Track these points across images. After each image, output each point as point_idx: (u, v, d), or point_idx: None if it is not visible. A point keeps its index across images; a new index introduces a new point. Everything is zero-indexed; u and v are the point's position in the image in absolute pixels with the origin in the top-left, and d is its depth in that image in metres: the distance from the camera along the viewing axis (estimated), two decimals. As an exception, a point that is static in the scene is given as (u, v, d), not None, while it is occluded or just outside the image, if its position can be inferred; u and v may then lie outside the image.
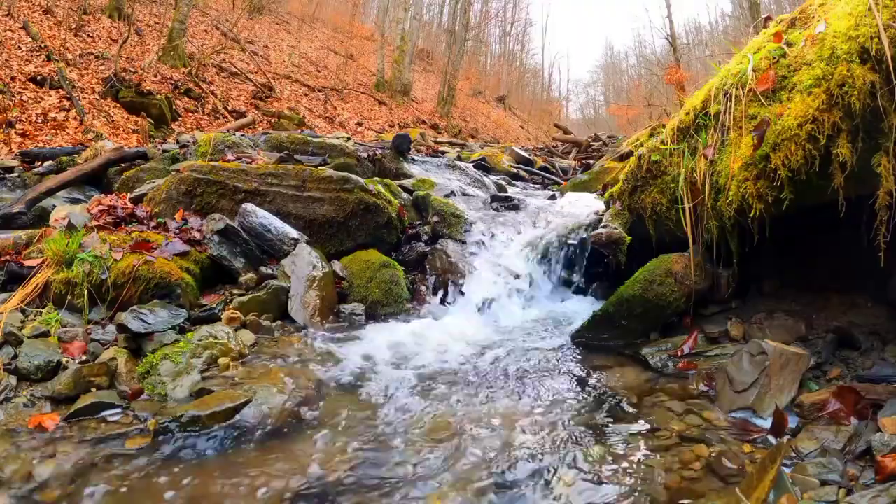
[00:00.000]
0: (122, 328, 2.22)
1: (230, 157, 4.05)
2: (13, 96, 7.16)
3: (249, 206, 3.12)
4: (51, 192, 3.82)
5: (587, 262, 3.25)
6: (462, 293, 3.14)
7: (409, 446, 1.71)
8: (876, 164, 1.72)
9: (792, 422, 1.72)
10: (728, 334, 2.35)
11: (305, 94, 14.39)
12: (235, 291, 2.78)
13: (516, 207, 4.07)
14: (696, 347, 2.33)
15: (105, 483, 1.51)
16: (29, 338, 2.10)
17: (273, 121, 10.98)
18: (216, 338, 2.28)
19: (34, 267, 2.47)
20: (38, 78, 7.82)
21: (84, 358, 2.10)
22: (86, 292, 2.36)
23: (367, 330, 2.72)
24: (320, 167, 3.61)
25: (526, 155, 7.91)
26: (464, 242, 3.53)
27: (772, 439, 1.67)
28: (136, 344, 2.22)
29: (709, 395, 2.01)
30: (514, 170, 6.77)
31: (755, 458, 1.56)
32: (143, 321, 2.26)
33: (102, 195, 3.70)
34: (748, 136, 2.07)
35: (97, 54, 9.51)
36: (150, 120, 8.17)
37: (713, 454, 1.60)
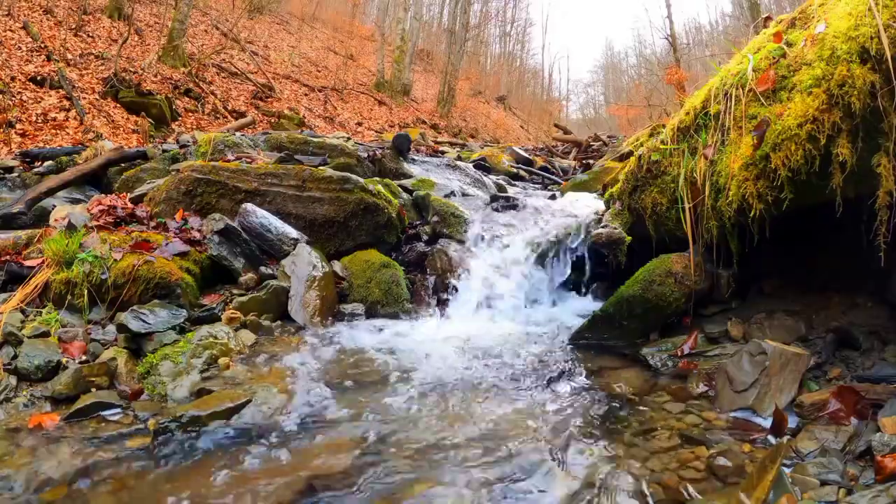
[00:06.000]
0: (122, 328, 2.22)
1: (230, 157, 4.04)
2: (13, 96, 7.16)
3: (249, 206, 3.12)
4: (51, 192, 3.81)
5: (587, 262, 3.25)
6: (462, 293, 3.14)
7: (408, 446, 1.70)
8: (876, 164, 1.72)
9: (792, 422, 1.72)
10: (728, 334, 2.35)
11: (305, 94, 14.39)
12: (235, 291, 2.78)
13: (516, 207, 4.07)
14: (696, 347, 2.33)
15: (105, 483, 1.51)
16: (29, 338, 2.10)
17: (273, 121, 10.97)
18: (216, 338, 2.28)
19: (34, 267, 2.47)
20: (38, 78, 7.82)
21: (84, 358, 2.10)
22: (86, 292, 2.36)
23: (367, 330, 2.72)
24: (320, 167, 3.61)
25: (526, 155, 7.91)
26: (464, 242, 3.53)
27: (772, 439, 1.67)
28: (136, 344, 2.22)
29: (709, 395, 2.01)
30: (514, 170, 6.76)
31: (755, 458, 1.56)
32: (143, 321, 2.26)
33: (102, 195, 3.70)
34: (748, 136, 2.07)
35: (97, 54, 9.51)
36: (150, 120, 8.17)
37: (713, 454, 1.60)
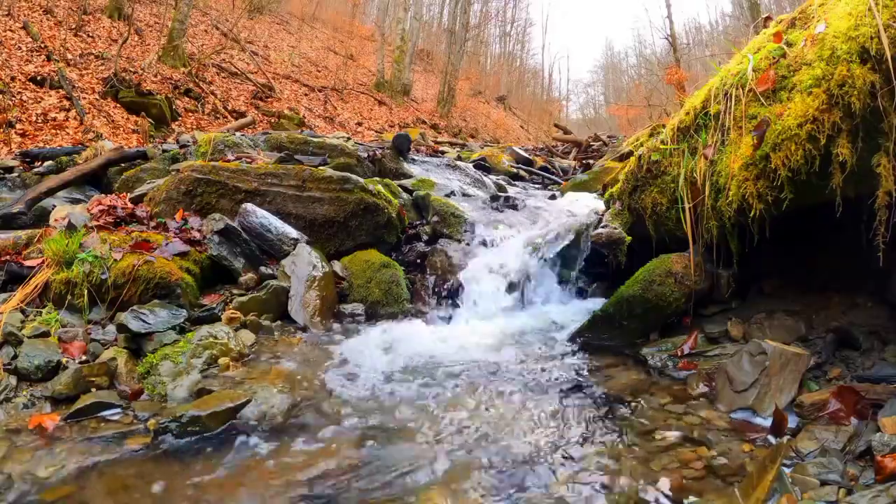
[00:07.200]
0: (122, 328, 2.22)
1: (230, 157, 4.04)
2: (13, 96, 7.15)
3: (249, 206, 3.12)
4: (51, 192, 3.81)
5: (587, 262, 3.25)
6: (462, 293, 3.14)
7: (409, 445, 1.71)
8: (876, 164, 1.72)
9: (792, 422, 1.72)
10: (728, 334, 2.35)
11: (305, 94, 14.39)
12: (235, 291, 2.78)
13: (516, 207, 4.07)
14: (696, 347, 2.33)
15: (105, 483, 1.51)
16: (29, 338, 2.10)
17: (273, 121, 10.97)
18: (216, 338, 2.28)
19: (34, 267, 2.47)
20: (38, 78, 7.82)
21: (84, 358, 2.10)
22: (86, 292, 2.36)
23: (367, 330, 2.72)
24: (320, 167, 3.61)
25: (526, 155, 7.91)
26: (464, 242, 3.53)
27: (772, 439, 1.67)
28: (136, 344, 2.22)
29: (709, 395, 2.01)
30: (514, 170, 6.76)
31: (755, 458, 1.56)
32: (143, 321, 2.26)
33: (102, 195, 3.70)
34: (748, 136, 2.07)
35: (97, 54, 9.50)
36: (150, 120, 8.16)
37: (713, 454, 1.60)
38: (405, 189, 4.17)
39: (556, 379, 2.21)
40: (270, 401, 1.92)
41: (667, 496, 1.44)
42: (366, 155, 4.94)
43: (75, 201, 3.80)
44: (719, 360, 2.19)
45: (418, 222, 3.79)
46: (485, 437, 1.76)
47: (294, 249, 3.00)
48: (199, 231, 2.95)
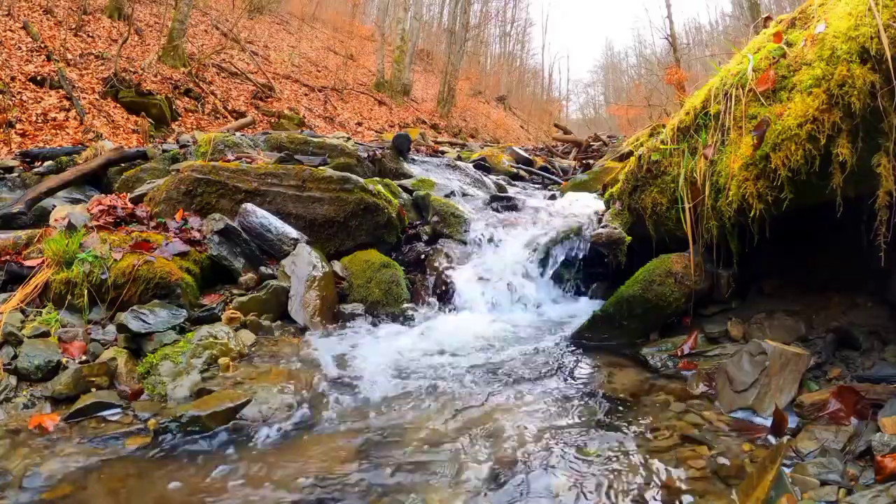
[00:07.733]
0: (122, 328, 2.22)
1: (230, 157, 4.04)
2: (13, 96, 7.15)
3: (249, 206, 3.12)
4: (51, 192, 3.81)
5: (587, 262, 3.25)
6: (462, 293, 3.14)
7: (408, 446, 1.71)
8: (876, 164, 1.72)
9: (792, 422, 1.72)
10: (728, 334, 2.35)
11: (305, 94, 14.39)
12: (235, 291, 2.78)
13: (516, 207, 4.07)
14: (696, 347, 2.33)
15: (105, 483, 1.51)
16: (29, 338, 2.10)
17: (273, 121, 10.97)
18: (216, 338, 2.28)
19: (34, 267, 2.47)
20: (38, 78, 7.82)
21: (84, 358, 2.10)
22: (86, 292, 2.36)
23: (367, 330, 2.72)
24: (320, 167, 3.61)
25: (526, 155, 7.91)
26: (464, 242, 3.53)
27: (772, 439, 1.67)
28: (136, 344, 2.22)
29: (709, 395, 2.01)
30: (514, 170, 6.76)
31: (755, 458, 1.56)
32: (143, 321, 2.26)
33: (102, 195, 3.70)
34: (748, 136, 2.07)
35: (97, 54, 9.50)
36: (150, 120, 8.16)
37: (713, 454, 1.60)
38: (405, 189, 4.16)
39: (556, 378, 2.21)
40: (270, 401, 1.92)
41: (667, 496, 1.44)
42: (366, 155, 4.93)
43: (75, 201, 3.80)
44: (719, 360, 2.19)
45: (418, 222, 3.79)
46: (484, 437, 1.76)
47: (294, 249, 3.00)
48: (199, 231, 2.95)
